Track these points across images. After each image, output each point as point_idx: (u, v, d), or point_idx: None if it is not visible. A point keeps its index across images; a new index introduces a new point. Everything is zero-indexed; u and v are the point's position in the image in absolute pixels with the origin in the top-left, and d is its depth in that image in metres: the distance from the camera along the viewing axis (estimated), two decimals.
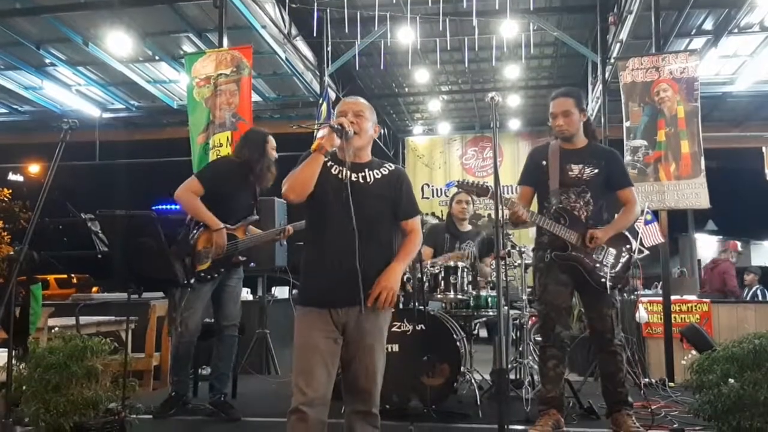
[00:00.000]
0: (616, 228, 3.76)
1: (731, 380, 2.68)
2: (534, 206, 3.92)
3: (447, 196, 10.27)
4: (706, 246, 18.30)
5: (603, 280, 3.66)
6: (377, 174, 2.73)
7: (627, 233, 3.87)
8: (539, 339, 3.94)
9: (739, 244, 9.36)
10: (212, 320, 4.39)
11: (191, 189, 4.11)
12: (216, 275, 4.16)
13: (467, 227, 5.40)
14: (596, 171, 3.76)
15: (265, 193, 4.60)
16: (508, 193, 6.00)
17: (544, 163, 3.83)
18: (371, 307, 2.56)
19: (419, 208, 2.85)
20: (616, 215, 3.88)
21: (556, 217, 3.71)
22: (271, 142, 4.37)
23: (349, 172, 2.64)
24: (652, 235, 5.37)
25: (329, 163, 2.64)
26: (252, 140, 4.36)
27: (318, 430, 2.49)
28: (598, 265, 3.69)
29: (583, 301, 3.91)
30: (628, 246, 3.83)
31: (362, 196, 2.63)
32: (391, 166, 2.80)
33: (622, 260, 3.78)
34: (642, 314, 5.69)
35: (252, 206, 4.36)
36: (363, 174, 2.70)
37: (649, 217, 5.36)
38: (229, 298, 4.29)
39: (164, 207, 13.35)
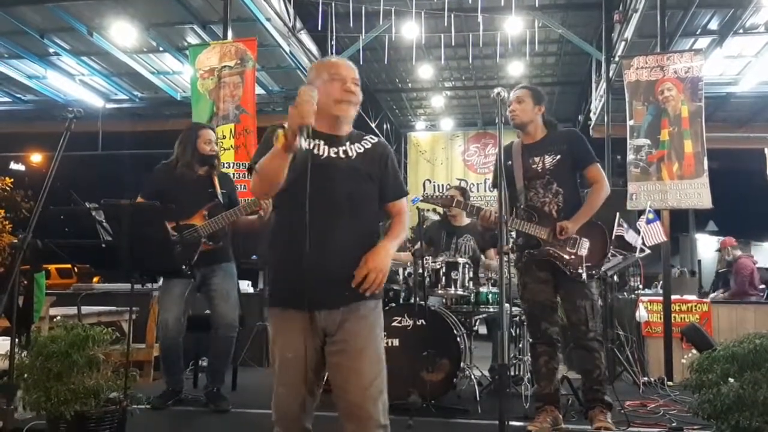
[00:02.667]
0: (586, 214, 3.73)
1: (731, 379, 2.68)
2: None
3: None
4: (707, 246, 18.31)
5: (580, 271, 3.69)
6: (359, 148, 2.29)
7: (603, 225, 3.87)
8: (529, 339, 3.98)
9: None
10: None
11: None
12: (188, 271, 4.10)
13: (464, 221, 5.32)
14: (559, 157, 3.77)
15: None
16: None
17: (510, 163, 3.85)
18: (354, 299, 2.16)
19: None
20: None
21: (527, 216, 3.75)
22: (204, 136, 4.30)
23: (327, 147, 2.24)
24: (654, 234, 5.36)
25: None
26: (182, 138, 4.36)
27: None
28: (573, 257, 3.72)
29: (560, 295, 3.90)
30: (603, 237, 3.84)
31: (342, 174, 2.22)
32: (373, 139, 2.37)
33: (598, 250, 3.78)
34: (642, 313, 5.70)
35: (210, 194, 4.26)
36: (344, 148, 2.27)
37: (651, 216, 5.36)
38: (218, 297, 4.25)
39: None
